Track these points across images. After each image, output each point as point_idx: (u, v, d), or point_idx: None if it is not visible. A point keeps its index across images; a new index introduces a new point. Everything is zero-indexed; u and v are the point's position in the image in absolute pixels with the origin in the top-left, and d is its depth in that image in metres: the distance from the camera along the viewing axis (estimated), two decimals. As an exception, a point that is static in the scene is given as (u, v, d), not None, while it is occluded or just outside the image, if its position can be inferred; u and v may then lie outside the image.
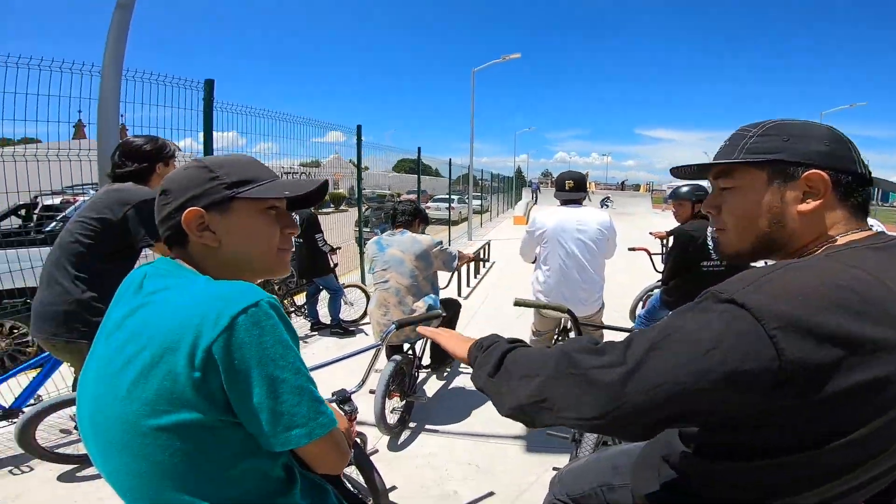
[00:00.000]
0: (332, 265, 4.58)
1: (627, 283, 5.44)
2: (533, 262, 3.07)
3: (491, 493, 2.16)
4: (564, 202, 2.78)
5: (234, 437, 0.67)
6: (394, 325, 1.50)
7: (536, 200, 27.40)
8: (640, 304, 4.52)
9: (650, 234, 4.93)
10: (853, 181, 0.73)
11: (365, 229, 11.37)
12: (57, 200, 4.45)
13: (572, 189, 2.76)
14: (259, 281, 2.50)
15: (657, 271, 4.31)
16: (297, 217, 4.50)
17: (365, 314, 4.96)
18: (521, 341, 0.87)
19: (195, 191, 0.75)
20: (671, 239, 4.76)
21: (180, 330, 0.63)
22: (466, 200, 14.37)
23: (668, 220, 15.51)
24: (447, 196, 15.13)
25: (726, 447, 0.68)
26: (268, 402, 0.64)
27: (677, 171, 0.91)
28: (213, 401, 0.64)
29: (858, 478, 0.63)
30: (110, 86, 2.63)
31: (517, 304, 1.83)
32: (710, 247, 2.84)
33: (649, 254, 4.72)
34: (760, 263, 0.79)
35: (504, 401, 0.75)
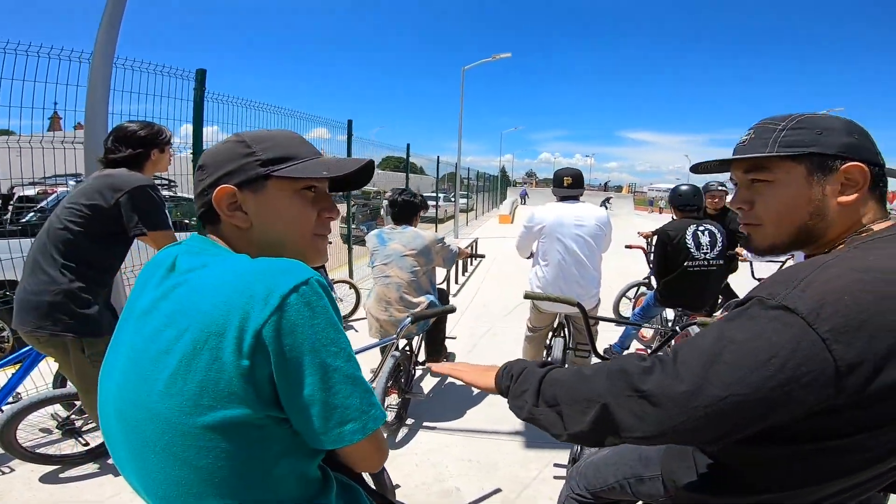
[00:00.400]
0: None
1: (611, 280, 5.50)
2: (528, 258, 3.07)
3: (498, 490, 2.15)
4: (562, 198, 2.79)
5: (278, 436, 0.62)
6: (408, 319, 1.47)
7: (525, 203, 27.92)
8: (625, 299, 4.63)
9: (638, 233, 5.02)
10: (878, 172, 0.75)
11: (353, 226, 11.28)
12: (33, 192, 4.28)
13: (570, 185, 2.77)
14: None
15: (650, 268, 4.42)
16: None
17: (354, 310, 4.90)
18: (549, 363, 0.85)
19: (230, 167, 0.70)
20: (655, 238, 4.89)
21: (225, 310, 0.57)
22: (452, 199, 14.35)
23: (649, 222, 15.76)
24: (433, 194, 15.09)
25: (775, 433, 0.67)
26: (320, 395, 0.59)
27: (699, 167, 0.92)
28: (260, 394, 0.58)
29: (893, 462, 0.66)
30: (100, 73, 2.52)
31: (527, 296, 1.82)
32: (690, 246, 2.89)
33: (645, 252, 4.83)
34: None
35: (560, 428, 0.74)
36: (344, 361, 0.61)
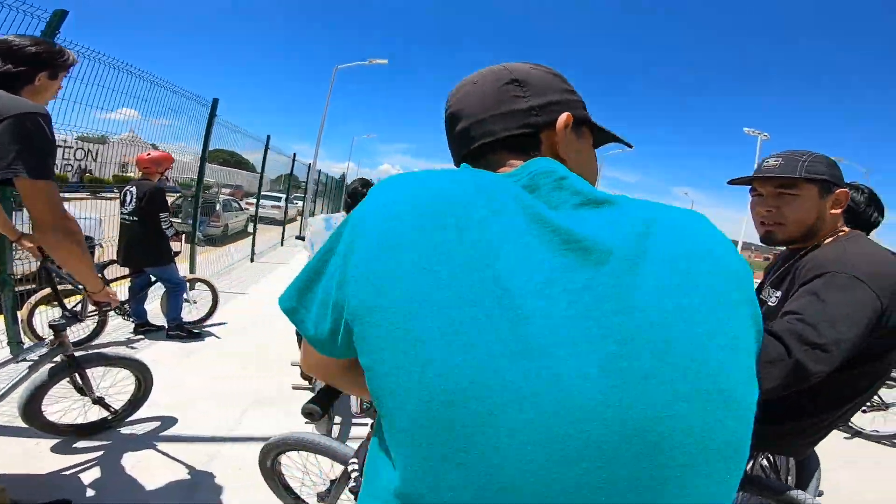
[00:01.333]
0: (172, 253, 3.82)
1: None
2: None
3: None
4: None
5: None
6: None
7: None
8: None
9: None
10: None
11: (175, 220, 9.64)
12: None
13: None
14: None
15: None
16: (135, 189, 3.66)
17: (210, 314, 4.28)
18: None
19: (556, 96, 0.61)
20: None
21: (731, 249, 0.51)
22: (292, 201, 13.55)
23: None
24: (274, 194, 13.98)
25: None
26: None
27: (736, 181, 1.28)
28: None
29: None
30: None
31: None
32: None
33: None
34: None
35: None
36: None
